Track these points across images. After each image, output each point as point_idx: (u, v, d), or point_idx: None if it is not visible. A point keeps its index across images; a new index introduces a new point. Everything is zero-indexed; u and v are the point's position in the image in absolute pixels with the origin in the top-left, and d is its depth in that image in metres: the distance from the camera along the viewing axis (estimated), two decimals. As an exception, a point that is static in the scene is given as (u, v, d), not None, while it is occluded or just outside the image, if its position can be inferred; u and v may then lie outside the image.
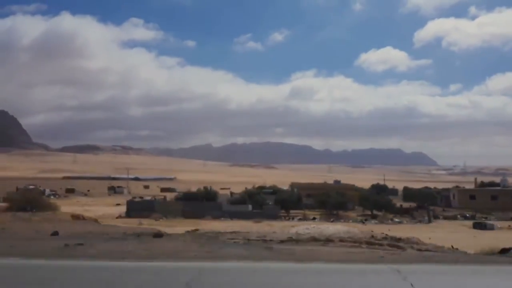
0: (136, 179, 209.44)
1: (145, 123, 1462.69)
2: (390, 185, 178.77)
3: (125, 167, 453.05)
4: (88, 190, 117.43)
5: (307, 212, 66.09)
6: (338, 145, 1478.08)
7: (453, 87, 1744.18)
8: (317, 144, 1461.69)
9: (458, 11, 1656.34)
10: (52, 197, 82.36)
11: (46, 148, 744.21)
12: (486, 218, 65.46)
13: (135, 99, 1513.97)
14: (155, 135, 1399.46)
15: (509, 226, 56.70)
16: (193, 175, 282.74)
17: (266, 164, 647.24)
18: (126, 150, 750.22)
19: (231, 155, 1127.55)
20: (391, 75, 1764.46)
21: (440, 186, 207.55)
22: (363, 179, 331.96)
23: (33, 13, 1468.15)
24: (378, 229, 38.08)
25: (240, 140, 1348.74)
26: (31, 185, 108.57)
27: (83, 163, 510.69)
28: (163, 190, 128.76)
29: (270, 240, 17.99)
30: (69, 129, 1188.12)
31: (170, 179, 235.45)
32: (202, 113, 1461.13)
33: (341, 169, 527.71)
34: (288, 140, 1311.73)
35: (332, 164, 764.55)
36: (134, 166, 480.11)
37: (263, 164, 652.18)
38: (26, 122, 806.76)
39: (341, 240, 18.33)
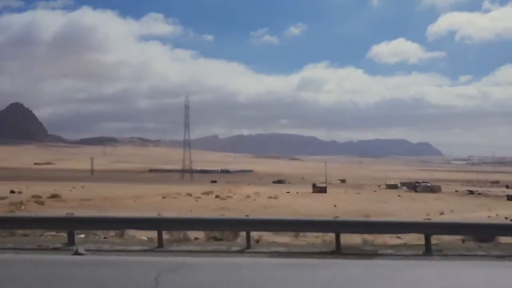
0: (227, 171, 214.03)
1: (152, 115, 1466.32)
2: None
3: (163, 159, 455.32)
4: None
5: None
6: (344, 136, 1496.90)
7: (463, 78, 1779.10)
8: (323, 135, 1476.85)
9: (472, 6, 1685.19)
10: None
11: (62, 140, 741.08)
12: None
13: (145, 91, 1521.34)
14: (160, 127, 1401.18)
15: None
16: (263, 168, 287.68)
17: (289, 156, 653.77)
18: (144, 142, 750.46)
19: (238, 146, 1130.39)
20: (403, 67, 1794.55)
21: (493, 177, 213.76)
22: (404, 170, 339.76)
23: (53, 8, 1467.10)
24: None
25: (244, 131, 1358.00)
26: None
27: (112, 156, 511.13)
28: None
29: None
30: (80, 121, 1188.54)
31: (249, 171, 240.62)
32: (210, 105, 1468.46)
33: (369, 161, 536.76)
34: (293, 131, 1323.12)
35: (345, 155, 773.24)
36: (167, 158, 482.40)
37: (286, 156, 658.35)
38: (38, 114, 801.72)
39: None
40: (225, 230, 12.90)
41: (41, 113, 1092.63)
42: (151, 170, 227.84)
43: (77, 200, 44.69)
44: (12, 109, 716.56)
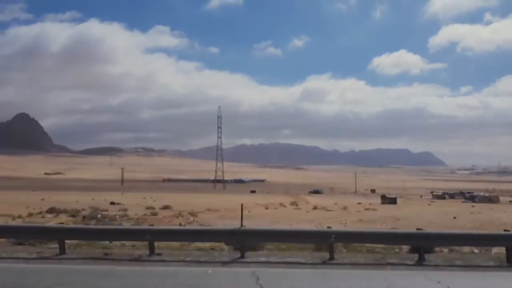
0: (241, 181, 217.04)
1: (155, 126, 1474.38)
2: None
3: (169, 169, 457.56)
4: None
5: None
6: (345, 146, 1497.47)
7: (464, 89, 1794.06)
8: (325, 145, 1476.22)
9: (473, 18, 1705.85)
10: None
11: (67, 150, 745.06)
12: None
13: (149, 102, 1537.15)
14: (163, 137, 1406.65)
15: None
16: (273, 177, 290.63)
17: (293, 165, 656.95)
18: (148, 152, 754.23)
19: (241, 156, 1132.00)
20: (404, 78, 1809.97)
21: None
22: (408, 179, 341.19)
23: (61, 20, 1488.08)
24: None
25: (246, 141, 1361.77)
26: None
27: (119, 166, 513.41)
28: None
29: None
30: (84, 132, 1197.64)
31: (262, 180, 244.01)
32: (213, 116, 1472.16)
33: (373, 170, 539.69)
34: (295, 141, 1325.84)
35: (347, 165, 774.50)
36: (173, 167, 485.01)
37: (290, 165, 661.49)
38: (43, 124, 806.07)
39: None
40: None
41: (46, 123, 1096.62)
42: (164, 180, 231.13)
43: (202, 211, 45.58)
44: (18, 119, 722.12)
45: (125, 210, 42.22)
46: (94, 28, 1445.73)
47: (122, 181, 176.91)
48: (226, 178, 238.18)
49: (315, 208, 55.95)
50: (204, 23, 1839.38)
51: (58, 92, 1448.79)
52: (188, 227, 21.77)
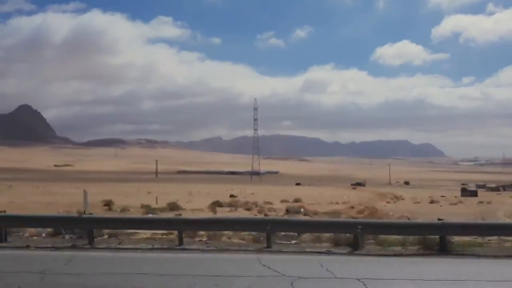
0: (256, 173, 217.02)
1: (156, 117, 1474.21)
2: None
3: (175, 160, 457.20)
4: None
5: None
6: (346, 137, 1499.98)
7: (465, 80, 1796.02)
8: (325, 136, 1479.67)
9: (476, 8, 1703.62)
10: None
11: (70, 142, 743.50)
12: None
13: (150, 93, 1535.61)
14: (164, 129, 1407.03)
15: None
16: (282, 169, 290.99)
17: (297, 157, 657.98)
18: (151, 143, 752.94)
19: (242, 147, 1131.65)
20: (407, 69, 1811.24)
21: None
22: (418, 171, 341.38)
23: (64, 11, 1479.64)
24: None
25: (248, 133, 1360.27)
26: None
27: (124, 157, 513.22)
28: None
29: None
30: (85, 123, 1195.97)
31: (275, 172, 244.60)
32: (214, 107, 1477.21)
33: (378, 162, 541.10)
34: (296, 133, 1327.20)
35: (349, 156, 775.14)
36: (178, 159, 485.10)
37: (293, 157, 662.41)
38: (45, 116, 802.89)
39: None
40: None
41: (49, 114, 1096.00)
42: (179, 172, 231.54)
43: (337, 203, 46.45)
44: (21, 110, 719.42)
45: (270, 203, 42.05)
46: (97, 18, 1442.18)
47: (157, 173, 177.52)
48: (240, 169, 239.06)
49: (431, 202, 55.73)
50: (206, 14, 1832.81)
51: (59, 83, 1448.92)
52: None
